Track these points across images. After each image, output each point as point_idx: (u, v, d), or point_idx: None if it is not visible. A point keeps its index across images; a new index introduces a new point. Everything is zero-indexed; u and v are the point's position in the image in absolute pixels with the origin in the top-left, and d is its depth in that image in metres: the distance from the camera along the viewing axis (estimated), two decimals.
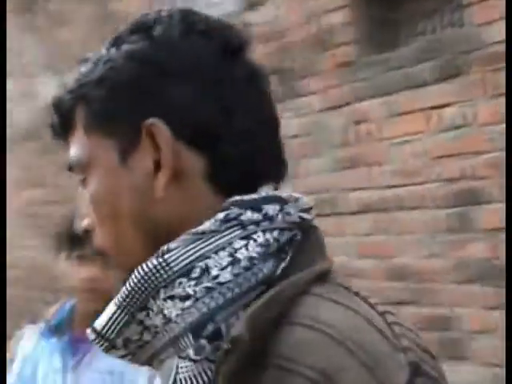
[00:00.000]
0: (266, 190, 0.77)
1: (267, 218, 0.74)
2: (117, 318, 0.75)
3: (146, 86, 0.77)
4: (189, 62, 0.77)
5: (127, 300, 0.74)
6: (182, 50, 0.77)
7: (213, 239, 0.73)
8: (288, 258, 0.74)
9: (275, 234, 0.74)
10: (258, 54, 3.72)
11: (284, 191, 0.79)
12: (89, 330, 0.76)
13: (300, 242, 0.77)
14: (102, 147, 0.78)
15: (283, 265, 0.73)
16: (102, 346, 0.77)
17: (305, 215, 0.78)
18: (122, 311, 0.74)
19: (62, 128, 0.82)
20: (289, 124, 3.92)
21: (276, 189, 0.79)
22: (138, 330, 0.75)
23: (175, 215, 0.75)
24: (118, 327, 0.75)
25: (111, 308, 0.75)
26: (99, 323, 0.76)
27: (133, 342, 0.75)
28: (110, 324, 0.75)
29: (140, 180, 0.76)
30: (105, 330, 0.75)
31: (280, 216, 0.75)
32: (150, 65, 0.77)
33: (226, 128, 0.76)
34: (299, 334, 0.67)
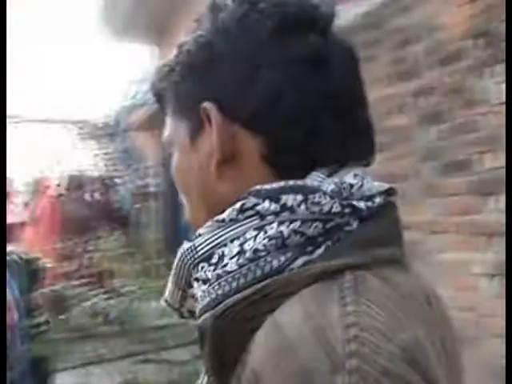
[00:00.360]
0: (312, 177, 0.77)
1: (286, 208, 0.74)
2: (174, 293, 0.85)
3: (202, 71, 0.82)
4: (241, 47, 0.80)
5: (175, 278, 0.83)
6: (237, 35, 0.80)
7: (231, 228, 0.76)
8: (318, 251, 0.74)
9: (296, 225, 0.73)
10: (463, 16, 3.67)
11: (334, 178, 0.78)
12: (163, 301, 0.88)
13: (349, 234, 0.76)
14: (178, 128, 0.87)
15: (305, 258, 0.73)
16: (175, 313, 0.88)
17: (359, 204, 0.76)
18: (175, 287, 0.84)
19: (160, 109, 0.93)
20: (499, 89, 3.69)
21: (334, 172, 0.79)
22: (194, 303, 0.82)
23: (233, 193, 0.79)
24: (178, 300, 0.85)
25: (169, 283, 0.86)
26: (166, 296, 0.87)
27: (194, 312, 0.81)
28: (171, 298, 0.86)
29: (203, 160, 0.83)
30: (171, 303, 0.87)
31: (303, 206, 0.74)
32: (206, 50, 0.82)
33: (278, 110, 0.77)
34: (260, 332, 0.69)
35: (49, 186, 7.46)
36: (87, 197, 7.78)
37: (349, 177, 0.79)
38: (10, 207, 7.78)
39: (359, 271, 0.71)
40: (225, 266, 0.74)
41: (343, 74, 0.80)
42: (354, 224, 0.76)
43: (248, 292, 0.71)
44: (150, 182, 11.09)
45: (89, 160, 13.22)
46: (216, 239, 0.75)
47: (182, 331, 4.71)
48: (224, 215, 0.77)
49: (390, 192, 0.84)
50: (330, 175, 0.78)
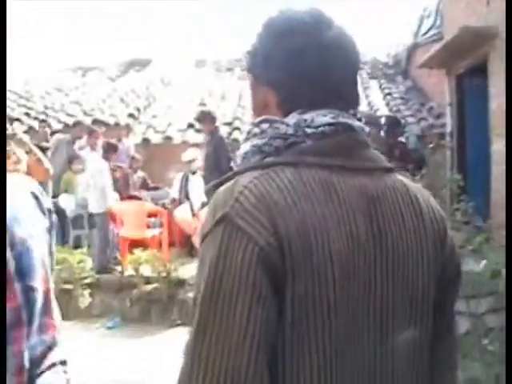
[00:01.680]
0: (291, 114, 1.27)
1: (262, 131, 1.26)
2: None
3: (252, 56, 1.36)
4: (264, 45, 1.33)
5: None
6: (263, 37, 1.34)
7: (246, 140, 1.30)
8: (280, 156, 1.23)
9: (266, 140, 1.24)
10: None
11: (309, 114, 1.26)
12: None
13: (303, 147, 1.24)
14: (259, 92, 1.34)
15: (271, 159, 1.23)
16: None
17: (307, 130, 1.24)
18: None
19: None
20: None
21: (303, 113, 1.27)
22: None
23: None
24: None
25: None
26: None
27: None
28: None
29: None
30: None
31: (270, 130, 1.25)
32: (254, 45, 1.36)
33: (285, 81, 1.28)
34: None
35: None
36: (377, 136, 7.79)
37: (312, 115, 1.26)
38: None
39: (285, 166, 1.19)
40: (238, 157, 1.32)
41: (336, 60, 1.28)
42: (309, 142, 1.24)
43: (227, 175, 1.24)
44: (434, 123, 10.87)
45: (375, 99, 13.32)
46: (244, 142, 1.30)
47: (477, 282, 4.56)
48: (245, 133, 1.33)
49: (341, 125, 1.25)
50: (301, 113, 1.27)
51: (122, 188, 10.19)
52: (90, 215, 8.62)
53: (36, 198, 2.04)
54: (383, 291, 1.21)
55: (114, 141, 9.54)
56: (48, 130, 10.78)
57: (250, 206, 1.11)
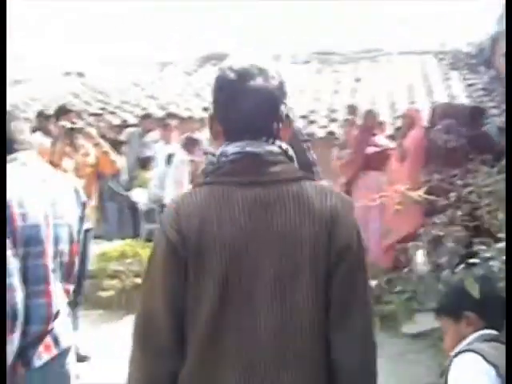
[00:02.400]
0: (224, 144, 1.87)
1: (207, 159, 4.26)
2: None
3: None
4: (213, 95, 1.89)
5: None
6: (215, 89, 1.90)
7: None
8: (213, 175, 1.85)
9: (207, 164, 3.78)
10: None
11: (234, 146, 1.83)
12: None
13: (219, 170, 1.83)
14: (215, 124, 1.95)
15: (209, 178, 1.87)
16: None
17: (221, 158, 1.84)
18: None
19: None
20: None
21: (229, 143, 1.85)
22: None
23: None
24: None
25: None
26: None
27: None
28: None
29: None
30: None
31: (207, 159, 4.14)
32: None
33: (227, 120, 1.85)
34: None
35: (418, 117, 7.27)
36: (457, 127, 7.42)
37: (229, 147, 1.83)
38: (375, 138, 7.85)
39: (206, 185, 1.81)
40: None
41: (253, 105, 1.82)
42: (224, 167, 1.81)
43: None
44: None
45: (456, 90, 12.84)
46: None
47: None
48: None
49: (245, 153, 1.80)
50: (225, 145, 1.85)
51: (194, 181, 10.15)
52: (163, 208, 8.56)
53: (77, 192, 2.64)
54: (271, 266, 1.75)
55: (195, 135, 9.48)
56: (103, 124, 10.80)
57: (169, 216, 1.82)
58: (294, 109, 1.83)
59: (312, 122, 11.75)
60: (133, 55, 20.10)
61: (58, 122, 5.47)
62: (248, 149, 1.80)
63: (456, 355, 2.55)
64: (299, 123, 10.07)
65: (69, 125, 5.39)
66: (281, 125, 1.88)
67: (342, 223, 1.77)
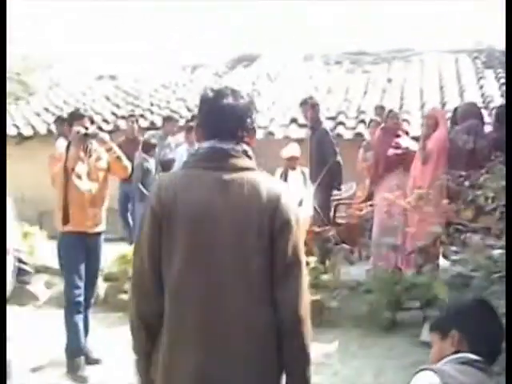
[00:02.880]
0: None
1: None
2: None
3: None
4: (199, 114, 2.61)
5: None
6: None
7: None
8: (188, 163, 2.56)
9: (188, 155, 2.85)
10: None
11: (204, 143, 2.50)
12: None
13: (196, 157, 2.53)
14: (197, 130, 2.63)
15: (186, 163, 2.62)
16: None
17: (197, 151, 2.54)
18: None
19: None
20: None
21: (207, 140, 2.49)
22: None
23: None
24: None
25: None
26: None
27: None
28: None
29: None
30: None
31: (192, 151, 3.67)
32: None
33: (204, 126, 2.51)
34: None
35: (442, 118, 7.09)
36: (479, 128, 7.24)
37: (205, 143, 2.50)
38: (398, 140, 7.68)
39: (184, 169, 2.57)
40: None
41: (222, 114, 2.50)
42: (200, 156, 2.49)
43: None
44: None
45: (489, 89, 12.57)
46: None
47: None
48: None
49: (213, 148, 2.46)
50: (202, 143, 2.51)
51: None
52: None
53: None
54: (227, 230, 2.36)
55: None
56: (136, 126, 10.77)
57: (153, 191, 2.49)
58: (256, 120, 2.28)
59: (340, 124, 11.59)
60: (164, 57, 20.19)
61: (72, 128, 5.49)
62: (217, 145, 2.46)
63: (417, 372, 2.53)
64: (327, 124, 9.94)
65: (82, 130, 5.42)
66: (245, 133, 2.51)
67: (283, 205, 2.39)
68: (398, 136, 7.71)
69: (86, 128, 5.50)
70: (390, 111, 8.02)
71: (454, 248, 4.12)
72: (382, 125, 7.97)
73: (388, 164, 7.48)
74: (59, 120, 5.74)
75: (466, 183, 4.29)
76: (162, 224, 2.38)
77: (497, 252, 2.73)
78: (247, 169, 2.44)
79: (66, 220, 5.40)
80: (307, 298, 2.41)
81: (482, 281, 2.56)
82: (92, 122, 5.86)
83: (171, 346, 2.38)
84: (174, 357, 2.38)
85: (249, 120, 2.52)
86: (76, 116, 5.69)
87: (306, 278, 2.42)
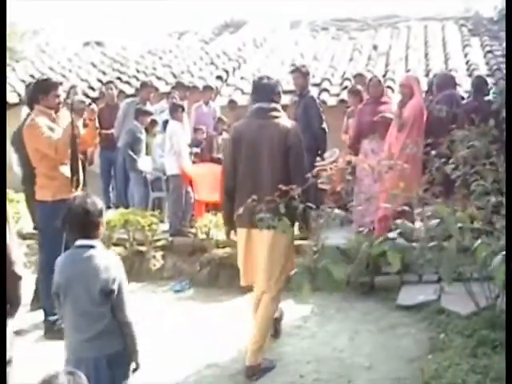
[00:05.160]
0: None
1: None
2: None
3: None
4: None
5: None
6: None
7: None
8: (247, 115, 5.29)
9: (249, 111, 5.33)
10: None
11: None
12: None
13: (250, 112, 5.25)
14: None
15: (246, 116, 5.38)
16: None
17: (251, 109, 5.22)
18: None
19: None
20: None
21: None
22: None
23: None
24: None
25: None
26: None
27: None
28: None
29: None
30: None
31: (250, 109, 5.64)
32: None
33: (252, 97, 5.29)
34: None
35: (416, 86, 7.11)
36: (459, 98, 7.31)
37: (255, 104, 5.05)
38: (381, 107, 7.72)
39: (245, 118, 5.17)
40: None
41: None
42: (252, 111, 5.03)
43: None
44: None
45: (474, 57, 12.59)
46: None
47: None
48: None
49: (257, 107, 4.94)
50: (253, 105, 5.18)
51: (206, 151, 10.16)
52: (167, 178, 8.60)
53: None
54: (264, 150, 4.79)
55: (180, 101, 9.48)
56: (115, 92, 10.76)
57: (232, 131, 5.15)
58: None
59: (324, 90, 11.63)
60: (151, 23, 20.04)
61: (47, 96, 5.62)
62: (259, 105, 4.90)
63: None
64: (313, 91, 9.96)
65: (57, 99, 5.65)
66: (275, 98, 4.93)
67: (291, 134, 4.81)
68: (384, 103, 7.76)
69: (58, 96, 5.68)
70: (371, 79, 8.07)
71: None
72: (366, 96, 8.06)
73: (364, 130, 7.57)
74: (36, 88, 5.73)
75: (433, 152, 4.38)
76: (235, 147, 4.89)
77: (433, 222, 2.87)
78: (275, 117, 4.87)
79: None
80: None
81: (421, 250, 2.68)
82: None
83: (240, 199, 4.62)
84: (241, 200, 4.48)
85: (277, 91, 4.97)
86: (52, 85, 5.75)
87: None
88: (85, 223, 3.33)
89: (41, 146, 5.56)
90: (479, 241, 2.62)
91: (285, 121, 4.83)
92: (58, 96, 5.67)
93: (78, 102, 5.83)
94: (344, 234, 6.95)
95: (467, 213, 3.68)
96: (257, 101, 4.88)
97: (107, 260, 3.34)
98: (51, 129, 5.58)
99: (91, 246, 3.34)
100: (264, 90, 4.86)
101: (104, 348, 3.29)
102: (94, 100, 9.67)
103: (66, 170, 5.70)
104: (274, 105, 4.81)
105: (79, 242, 3.36)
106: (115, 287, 3.24)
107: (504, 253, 2.27)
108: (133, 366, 3.40)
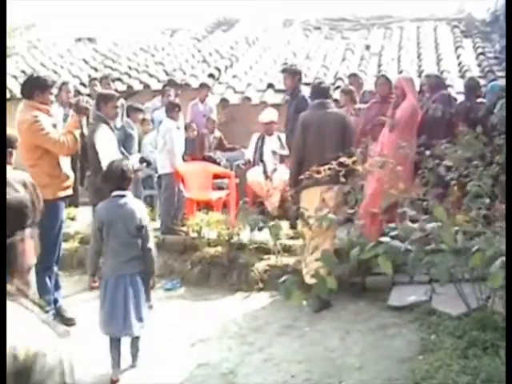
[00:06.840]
0: None
1: None
2: None
3: None
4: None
5: None
6: None
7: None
8: (310, 108, 7.25)
9: (310, 105, 7.35)
10: None
11: None
12: None
13: (313, 105, 7.29)
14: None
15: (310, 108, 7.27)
16: None
17: (312, 103, 7.30)
18: None
19: None
20: None
21: None
22: None
23: None
24: None
25: None
26: None
27: None
28: None
29: None
30: None
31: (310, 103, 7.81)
32: None
33: (315, 94, 7.13)
34: None
35: (408, 87, 7.11)
36: (451, 99, 7.34)
37: (316, 100, 7.01)
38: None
39: (309, 110, 6.95)
40: None
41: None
42: (315, 105, 6.87)
43: None
44: None
45: (466, 59, 12.61)
46: None
47: None
48: None
49: (319, 102, 6.76)
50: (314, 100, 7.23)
51: (197, 149, 10.14)
52: (159, 176, 8.57)
53: None
54: (327, 135, 6.47)
55: (176, 100, 9.46)
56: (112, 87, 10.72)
57: (300, 120, 6.75)
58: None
59: None
60: (143, 20, 19.95)
61: (44, 94, 5.67)
62: (319, 100, 6.72)
63: None
64: (304, 90, 9.95)
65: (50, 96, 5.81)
66: (330, 95, 7.20)
67: (346, 121, 6.73)
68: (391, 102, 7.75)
69: (52, 94, 5.82)
70: (379, 78, 8.14)
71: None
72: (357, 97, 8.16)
73: (370, 129, 7.58)
74: (33, 83, 5.71)
75: (427, 152, 4.38)
76: (304, 130, 6.48)
77: (429, 225, 2.86)
78: (331, 108, 6.69)
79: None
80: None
81: (417, 253, 2.66)
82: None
83: (308, 166, 4.88)
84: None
85: (329, 91, 7.03)
86: (50, 83, 5.78)
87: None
88: (121, 178, 4.84)
89: (43, 143, 5.54)
90: (476, 246, 2.61)
91: (339, 110, 7.21)
92: (51, 94, 5.71)
93: (83, 102, 6.07)
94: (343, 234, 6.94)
95: (462, 215, 3.67)
96: (317, 98, 6.74)
97: (137, 205, 5.01)
98: (53, 126, 5.65)
99: (124, 196, 4.86)
100: (322, 91, 6.84)
101: (136, 267, 4.86)
102: (87, 96, 9.62)
103: (66, 167, 5.70)
104: (329, 100, 6.82)
105: (116, 193, 4.86)
106: (145, 224, 4.86)
107: (504, 258, 2.27)
108: (151, 282, 4.99)
